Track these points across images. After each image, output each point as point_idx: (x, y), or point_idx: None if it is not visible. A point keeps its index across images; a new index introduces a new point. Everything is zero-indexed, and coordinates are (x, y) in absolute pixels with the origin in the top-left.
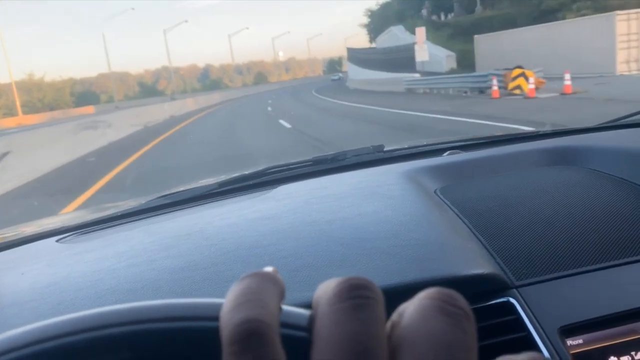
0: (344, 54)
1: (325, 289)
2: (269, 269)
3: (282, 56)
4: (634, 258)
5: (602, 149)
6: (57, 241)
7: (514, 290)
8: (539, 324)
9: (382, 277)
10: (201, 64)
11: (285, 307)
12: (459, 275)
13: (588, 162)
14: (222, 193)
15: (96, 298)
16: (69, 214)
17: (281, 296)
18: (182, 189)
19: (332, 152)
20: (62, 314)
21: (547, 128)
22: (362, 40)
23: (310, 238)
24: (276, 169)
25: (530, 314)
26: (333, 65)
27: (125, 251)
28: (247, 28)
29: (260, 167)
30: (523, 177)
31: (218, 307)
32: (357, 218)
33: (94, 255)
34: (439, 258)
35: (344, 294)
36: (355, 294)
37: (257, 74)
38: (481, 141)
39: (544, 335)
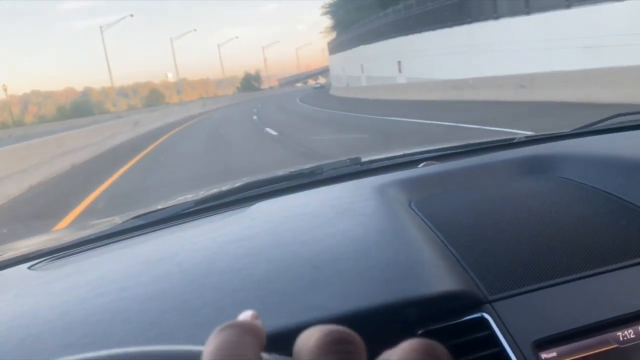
0: (265, 68)
1: (307, 340)
2: (247, 314)
3: (171, 77)
4: (605, 268)
5: (574, 157)
6: (28, 268)
7: (488, 305)
8: (513, 338)
9: (351, 300)
10: (79, 87)
11: (265, 357)
12: (430, 294)
13: (560, 170)
14: (198, 212)
15: (63, 331)
16: (44, 236)
17: (261, 346)
18: (159, 207)
19: (309, 166)
20: (28, 350)
21: (521, 135)
22: (281, 54)
23: (282, 260)
24: (253, 185)
25: (504, 329)
26: (249, 80)
27: (95, 279)
28: (131, 15)
29: (237, 183)
30: (497, 187)
31: (197, 357)
32: (329, 238)
33: (64, 284)
34: (410, 277)
35: (326, 347)
36: (337, 349)
37: (151, 92)
38: (456, 151)
39: (517, 350)
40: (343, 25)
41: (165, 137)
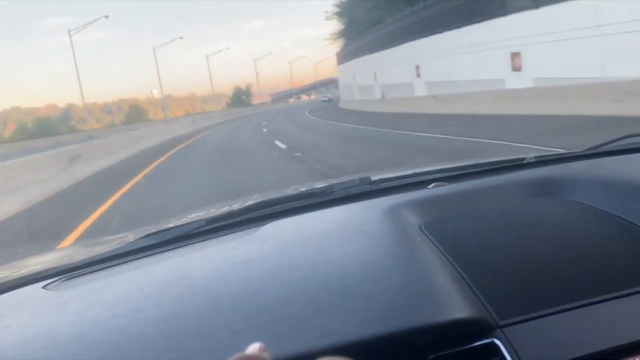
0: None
1: None
2: (255, 346)
3: (156, 94)
4: (617, 294)
5: (584, 180)
6: (43, 287)
7: (498, 330)
8: None
9: (363, 326)
10: (62, 104)
11: None
12: (442, 322)
13: (571, 193)
14: (209, 231)
15: (79, 353)
16: (55, 253)
17: None
18: (170, 225)
19: (320, 185)
20: None
21: (532, 156)
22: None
23: (293, 284)
24: (264, 204)
25: (515, 355)
26: (239, 95)
27: (109, 300)
28: (106, 17)
29: (248, 202)
30: (507, 210)
31: None
32: (340, 261)
33: (79, 304)
34: (421, 304)
35: None
36: None
37: (131, 108)
38: (466, 171)
39: None
40: (356, 28)
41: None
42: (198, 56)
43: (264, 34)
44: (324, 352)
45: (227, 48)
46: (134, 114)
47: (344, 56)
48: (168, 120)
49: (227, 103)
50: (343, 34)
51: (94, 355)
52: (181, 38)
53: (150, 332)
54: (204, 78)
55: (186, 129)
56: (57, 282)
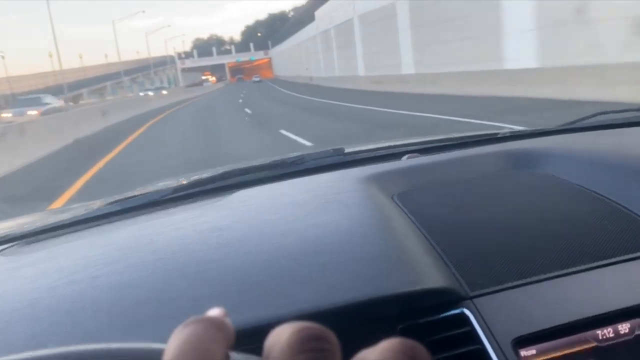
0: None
1: (278, 337)
2: (215, 311)
3: None
4: (587, 266)
5: (558, 154)
6: None
7: (469, 301)
8: (493, 335)
9: (331, 295)
10: None
11: (233, 356)
12: (412, 291)
13: (546, 166)
14: (177, 199)
15: (32, 320)
16: (18, 219)
17: (229, 343)
18: (137, 192)
19: (292, 155)
20: None
21: (506, 131)
22: None
23: (262, 252)
24: (234, 173)
25: (485, 326)
26: None
27: (67, 266)
28: None
29: (218, 171)
30: (481, 182)
31: (158, 354)
32: (312, 229)
33: (35, 269)
34: (392, 273)
35: (298, 345)
36: (310, 347)
37: None
38: (441, 144)
39: (497, 347)
40: None
41: None
42: None
43: None
44: (288, 320)
45: None
46: None
47: None
48: None
49: None
50: None
51: (45, 321)
52: None
53: (106, 298)
54: None
55: None
56: (13, 247)
